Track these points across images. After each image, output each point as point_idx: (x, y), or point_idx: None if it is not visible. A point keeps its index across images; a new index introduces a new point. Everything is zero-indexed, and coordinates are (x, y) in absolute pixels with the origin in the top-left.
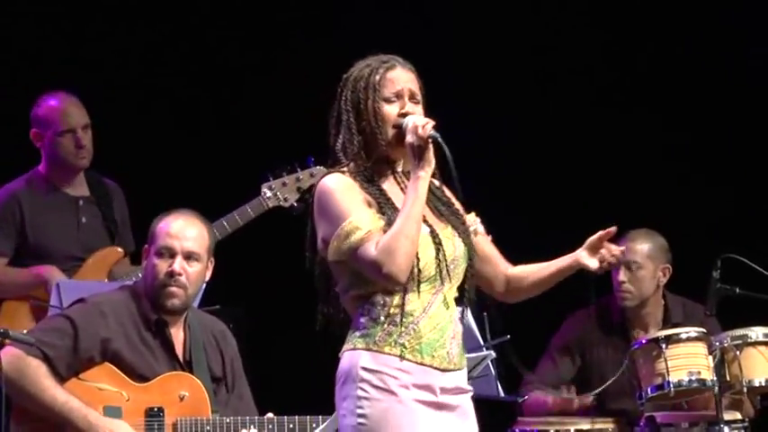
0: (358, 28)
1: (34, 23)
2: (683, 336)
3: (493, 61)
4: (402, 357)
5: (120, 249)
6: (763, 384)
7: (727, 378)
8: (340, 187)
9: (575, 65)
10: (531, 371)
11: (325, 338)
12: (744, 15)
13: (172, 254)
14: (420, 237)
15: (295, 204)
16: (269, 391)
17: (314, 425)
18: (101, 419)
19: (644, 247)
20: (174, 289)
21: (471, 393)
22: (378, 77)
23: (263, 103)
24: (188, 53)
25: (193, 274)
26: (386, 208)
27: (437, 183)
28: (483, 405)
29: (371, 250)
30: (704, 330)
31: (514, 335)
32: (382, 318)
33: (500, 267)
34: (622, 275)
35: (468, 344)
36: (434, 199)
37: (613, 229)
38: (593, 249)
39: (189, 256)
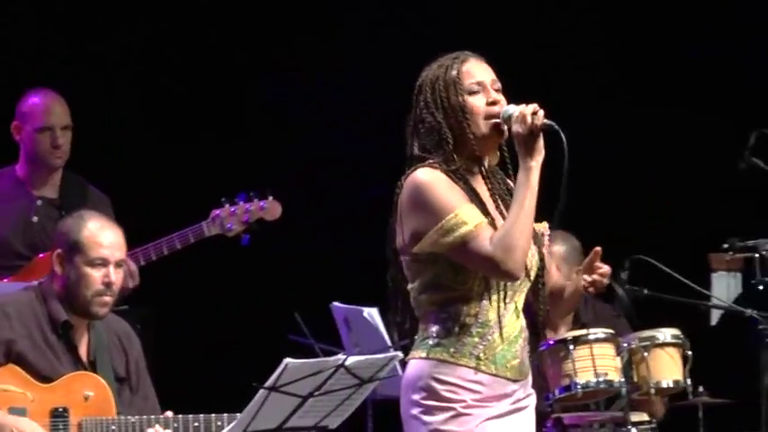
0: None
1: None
2: (591, 337)
3: None
4: (477, 370)
5: None
6: (671, 386)
7: (635, 379)
8: (438, 180)
9: None
10: None
11: (232, 340)
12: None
13: (105, 264)
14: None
15: (242, 235)
16: (176, 391)
17: (219, 423)
18: (8, 417)
19: (560, 249)
20: (107, 298)
21: (534, 395)
22: (455, 72)
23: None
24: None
25: (119, 280)
26: (480, 209)
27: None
28: (392, 404)
29: (487, 245)
30: (612, 332)
31: None
32: (457, 328)
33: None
34: None
35: (376, 345)
36: (505, 197)
37: (598, 250)
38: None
39: (118, 264)
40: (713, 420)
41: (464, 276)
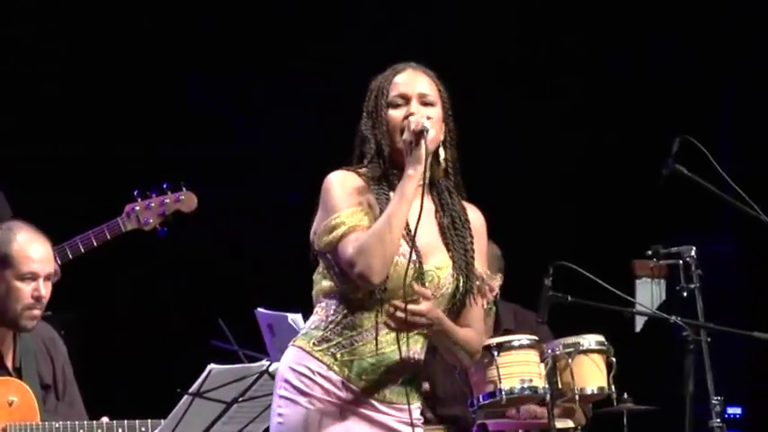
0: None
1: None
2: (516, 343)
3: None
4: (329, 368)
5: None
6: (595, 392)
7: (560, 386)
8: (340, 181)
9: None
10: None
11: (155, 345)
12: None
13: (35, 278)
14: (397, 256)
15: (158, 228)
16: (100, 396)
17: (143, 429)
18: None
19: None
20: (37, 312)
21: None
22: (386, 83)
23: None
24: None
25: (49, 293)
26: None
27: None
28: None
29: (349, 248)
30: (536, 338)
31: None
32: (329, 320)
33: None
34: None
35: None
36: (446, 216)
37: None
38: None
39: (47, 277)
40: (637, 427)
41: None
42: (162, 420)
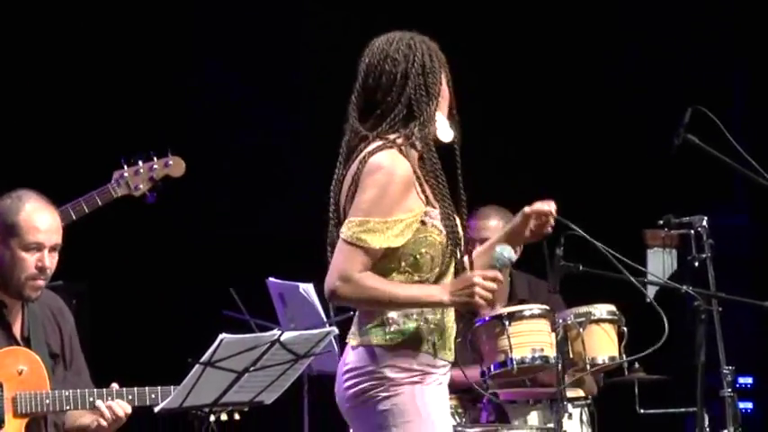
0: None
1: None
2: (527, 313)
3: None
4: (435, 356)
5: None
6: (606, 362)
7: (571, 355)
8: (401, 176)
9: None
10: None
11: (167, 315)
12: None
13: (40, 248)
14: (458, 233)
15: (147, 194)
16: (112, 366)
17: (152, 395)
18: None
19: (498, 224)
20: (41, 282)
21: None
22: (437, 64)
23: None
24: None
25: (54, 264)
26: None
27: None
28: (327, 379)
29: (352, 265)
30: (547, 308)
31: None
32: (415, 314)
33: None
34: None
35: (311, 321)
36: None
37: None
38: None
39: (53, 248)
40: (649, 397)
41: (423, 263)
42: (172, 387)
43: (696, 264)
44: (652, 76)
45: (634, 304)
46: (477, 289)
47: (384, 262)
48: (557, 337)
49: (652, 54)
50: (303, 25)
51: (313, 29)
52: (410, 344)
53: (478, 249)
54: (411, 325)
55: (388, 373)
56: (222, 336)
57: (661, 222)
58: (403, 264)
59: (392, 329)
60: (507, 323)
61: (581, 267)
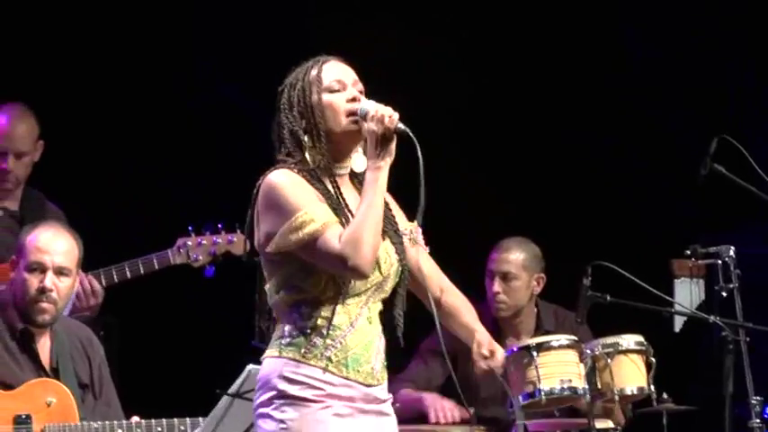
0: None
1: None
2: (555, 344)
3: None
4: (326, 370)
5: None
6: (635, 392)
7: (599, 386)
8: (289, 181)
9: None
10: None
11: (194, 346)
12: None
13: (43, 269)
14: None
15: (207, 267)
16: (140, 397)
17: (182, 428)
18: None
19: (518, 256)
20: (44, 305)
21: (390, 400)
22: (315, 71)
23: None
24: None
25: (63, 288)
26: (332, 210)
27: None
28: None
29: (335, 242)
30: (575, 338)
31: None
32: (309, 329)
33: (432, 287)
34: (497, 286)
35: None
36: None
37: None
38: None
39: (59, 272)
40: (677, 427)
41: (316, 279)
42: (201, 419)
43: (723, 294)
44: (679, 105)
45: (662, 334)
46: (376, 116)
47: (277, 278)
48: (585, 367)
49: (681, 83)
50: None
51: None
52: (301, 356)
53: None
54: (303, 340)
55: (279, 384)
56: (250, 367)
57: (688, 252)
58: (295, 279)
59: (285, 342)
60: (535, 354)
61: (608, 298)
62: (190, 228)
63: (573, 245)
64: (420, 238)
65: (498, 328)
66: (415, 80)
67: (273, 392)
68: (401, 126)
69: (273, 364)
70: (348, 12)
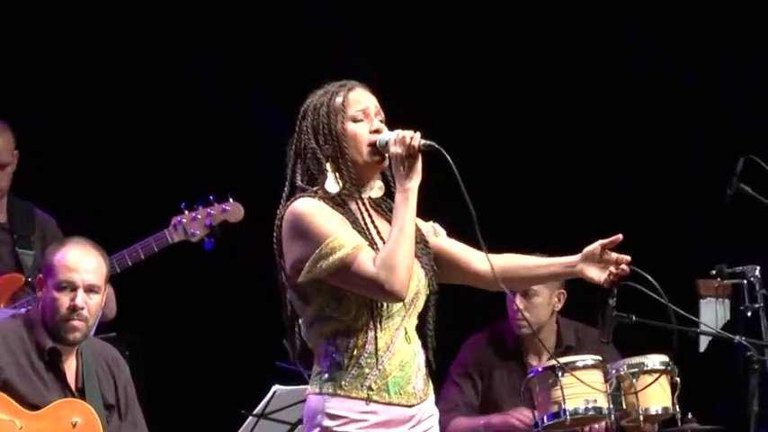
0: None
1: None
2: (580, 364)
3: None
4: (369, 400)
5: (21, 276)
6: (660, 413)
7: (624, 406)
8: (316, 208)
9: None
10: None
11: (220, 366)
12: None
13: (73, 287)
14: None
15: (205, 239)
16: (166, 418)
17: None
18: None
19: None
20: (76, 323)
21: (437, 416)
22: (340, 99)
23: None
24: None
25: (94, 306)
26: (361, 234)
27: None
28: None
29: (369, 266)
30: (600, 358)
31: None
32: (346, 361)
33: (474, 264)
34: (518, 303)
35: None
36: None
37: (619, 236)
38: (593, 259)
39: (89, 289)
40: None
41: (347, 306)
42: None
43: (749, 314)
44: (704, 123)
45: (687, 355)
46: (397, 140)
47: (309, 311)
48: (610, 387)
49: (706, 102)
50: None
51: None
52: (341, 389)
53: (556, 259)
54: (342, 372)
55: (323, 421)
56: (275, 387)
57: (713, 272)
58: (326, 310)
59: (324, 378)
60: (560, 374)
61: (633, 318)
62: (182, 205)
63: None
64: (440, 228)
65: (519, 343)
66: (432, 88)
67: (318, 429)
68: (425, 142)
69: (315, 400)
70: (352, 13)
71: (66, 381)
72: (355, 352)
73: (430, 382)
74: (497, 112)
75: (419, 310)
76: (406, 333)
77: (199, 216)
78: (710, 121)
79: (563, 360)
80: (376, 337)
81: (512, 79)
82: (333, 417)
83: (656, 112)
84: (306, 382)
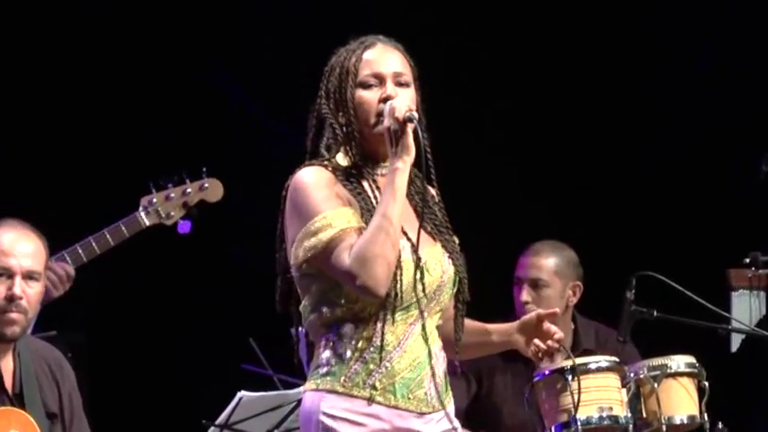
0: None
1: None
2: (593, 366)
3: None
4: (371, 401)
5: None
6: (685, 422)
7: (644, 414)
8: (317, 181)
9: None
10: None
11: (177, 369)
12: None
13: (9, 274)
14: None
15: (180, 222)
16: (113, 428)
17: None
18: None
19: (550, 261)
20: (14, 315)
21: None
22: (354, 59)
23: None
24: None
25: (34, 295)
26: (367, 214)
27: (426, 186)
28: None
29: (345, 257)
30: (617, 360)
31: None
32: (349, 353)
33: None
34: (525, 295)
35: None
36: (422, 204)
37: (554, 310)
38: (528, 330)
39: (28, 276)
40: None
41: (351, 292)
42: None
43: None
44: (735, 112)
45: (717, 355)
46: (388, 111)
47: (311, 295)
48: (628, 393)
49: (738, 93)
50: None
51: None
52: (341, 386)
53: (495, 326)
54: (343, 367)
55: (325, 421)
56: (241, 393)
57: (747, 261)
58: (330, 294)
59: (322, 371)
60: (570, 378)
61: (655, 313)
62: (150, 184)
63: (616, 252)
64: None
65: None
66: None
67: (315, 430)
68: (409, 114)
69: (312, 398)
70: (361, 10)
71: (2, 385)
72: (360, 344)
73: (450, 391)
74: (516, 105)
75: (443, 306)
76: (424, 330)
77: (173, 195)
78: (742, 107)
79: (573, 362)
80: (386, 331)
81: (528, 72)
82: (332, 417)
83: (685, 98)
84: (277, 388)
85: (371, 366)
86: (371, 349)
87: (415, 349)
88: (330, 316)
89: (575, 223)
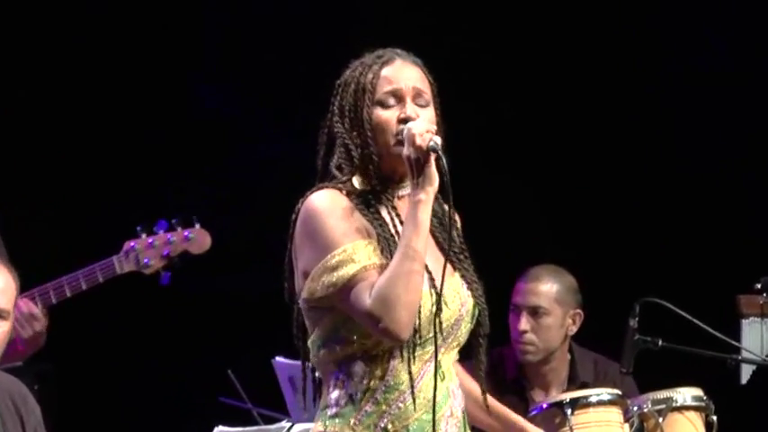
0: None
1: None
2: (593, 399)
3: None
4: None
5: None
6: None
7: None
8: (333, 207)
9: None
10: None
11: (150, 402)
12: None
13: None
14: None
15: (161, 272)
16: None
17: None
18: None
19: (550, 287)
20: None
21: None
22: (371, 76)
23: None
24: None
25: (1, 334)
26: (386, 244)
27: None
28: None
29: (366, 297)
30: (619, 392)
31: None
32: (359, 394)
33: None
34: (524, 323)
35: None
36: (442, 232)
37: None
38: None
39: None
40: None
41: (365, 328)
42: None
43: None
44: (746, 133)
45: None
46: (408, 137)
47: (320, 328)
48: (631, 428)
49: (748, 118)
50: None
51: None
52: (350, 429)
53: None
54: (353, 408)
55: None
56: (219, 428)
57: (759, 286)
58: (341, 329)
59: (331, 412)
60: (569, 412)
61: (660, 342)
62: (138, 228)
63: (620, 277)
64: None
65: (522, 374)
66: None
67: None
68: (433, 143)
69: None
70: (364, 13)
71: None
72: (371, 384)
73: (469, 430)
74: (524, 112)
75: (461, 342)
76: (440, 368)
77: (156, 242)
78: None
79: (573, 395)
80: (399, 369)
81: (527, 71)
82: None
83: (686, 109)
84: (256, 422)
85: (383, 408)
86: (383, 389)
87: (430, 388)
88: (340, 352)
89: (572, 245)
